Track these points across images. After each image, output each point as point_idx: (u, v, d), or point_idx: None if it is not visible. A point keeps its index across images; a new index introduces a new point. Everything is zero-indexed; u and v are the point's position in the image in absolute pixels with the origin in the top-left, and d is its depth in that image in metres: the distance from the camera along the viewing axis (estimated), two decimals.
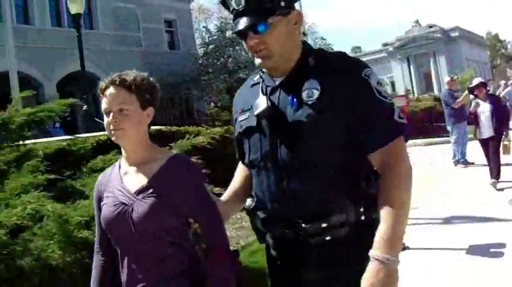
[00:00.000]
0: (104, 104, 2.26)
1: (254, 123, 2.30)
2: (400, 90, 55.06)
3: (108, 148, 5.54)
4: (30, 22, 28.56)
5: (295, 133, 2.17)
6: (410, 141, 19.80)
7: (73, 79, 29.71)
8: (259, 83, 2.39)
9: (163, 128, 9.36)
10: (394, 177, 2.12)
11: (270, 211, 2.29)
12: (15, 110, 5.54)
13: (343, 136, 2.13)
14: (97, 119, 23.18)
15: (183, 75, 34.85)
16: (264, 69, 2.36)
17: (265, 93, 2.30)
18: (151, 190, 2.22)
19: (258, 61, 2.26)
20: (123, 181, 2.31)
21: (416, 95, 50.74)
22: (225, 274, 2.22)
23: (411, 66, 64.44)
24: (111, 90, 2.25)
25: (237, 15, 2.21)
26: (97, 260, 2.42)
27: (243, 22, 2.19)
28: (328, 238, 2.16)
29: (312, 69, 2.23)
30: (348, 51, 73.94)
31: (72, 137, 6.83)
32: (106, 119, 2.25)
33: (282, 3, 2.19)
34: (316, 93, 2.15)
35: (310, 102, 2.15)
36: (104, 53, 29.52)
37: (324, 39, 47.30)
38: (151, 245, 2.20)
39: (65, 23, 30.69)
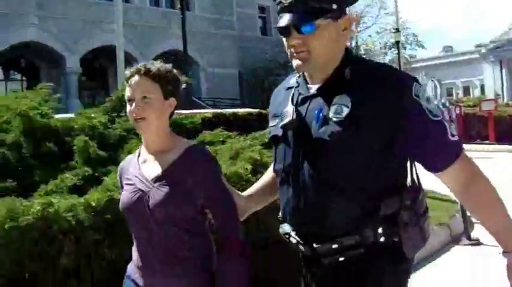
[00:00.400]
0: (127, 92, 2.30)
1: (280, 133, 2.21)
2: (490, 94, 53.76)
3: (213, 124, 6.10)
4: (129, 0, 29.80)
5: (317, 151, 2.05)
6: (495, 146, 19.61)
7: (166, 57, 30.78)
8: (293, 87, 2.26)
9: (263, 111, 9.87)
10: (476, 192, 2.08)
11: (289, 224, 2.21)
12: None
13: (367, 157, 2.00)
14: (194, 98, 23.88)
15: (273, 62, 35.43)
16: (302, 73, 2.22)
17: (295, 103, 2.17)
18: (167, 178, 2.27)
19: (295, 63, 2.11)
20: (140, 169, 2.37)
21: (506, 100, 49.39)
22: (235, 266, 2.24)
23: (503, 70, 62.53)
24: (135, 78, 2.28)
25: (283, 9, 2.08)
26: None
27: (287, 18, 2.05)
28: (341, 259, 2.07)
29: (347, 82, 2.06)
30: (439, 50, 71.59)
31: (180, 111, 7.39)
32: (128, 108, 2.29)
33: (334, 6, 2.04)
34: (345, 111, 1.99)
35: (336, 120, 2.01)
36: (198, 34, 30.42)
37: (416, 36, 46.63)
38: (168, 232, 2.26)
39: (163, 2, 31.88)
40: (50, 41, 26.94)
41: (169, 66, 2.40)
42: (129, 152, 5.16)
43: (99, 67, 29.93)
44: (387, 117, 1.97)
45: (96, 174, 4.70)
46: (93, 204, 3.58)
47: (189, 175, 2.26)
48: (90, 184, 4.38)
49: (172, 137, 2.40)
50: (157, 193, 2.26)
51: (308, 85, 2.17)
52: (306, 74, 2.19)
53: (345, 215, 2.03)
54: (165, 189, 2.25)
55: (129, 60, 25.40)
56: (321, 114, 2.04)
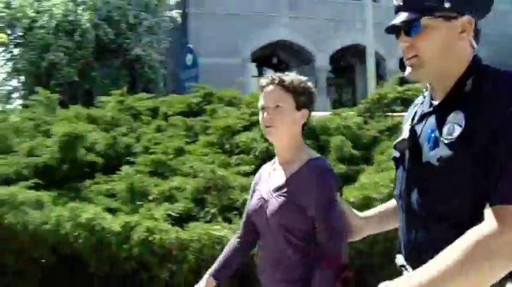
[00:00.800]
0: (261, 101, 2.39)
1: (398, 154, 1.98)
2: None
3: None
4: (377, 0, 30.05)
5: (426, 176, 1.78)
6: None
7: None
8: (419, 104, 2.01)
9: None
10: (477, 231, 1.55)
11: (404, 257, 1.94)
12: (391, 87, 6.37)
13: (482, 192, 1.62)
14: None
15: None
16: (429, 88, 1.94)
17: (414, 121, 1.93)
18: (284, 189, 2.33)
19: (406, 71, 1.87)
20: (270, 177, 2.47)
21: None
22: (326, 285, 2.20)
23: None
24: (269, 88, 2.37)
25: (396, 11, 1.88)
26: (232, 239, 2.68)
27: (396, 19, 1.84)
28: None
29: (465, 95, 1.74)
30: None
31: None
32: (261, 115, 2.38)
33: (447, 5, 1.76)
34: (458, 131, 1.68)
35: (447, 141, 1.70)
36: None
37: None
38: (278, 240, 2.34)
39: None
40: (300, 40, 28.13)
41: (303, 77, 2.43)
42: (382, 153, 5.40)
43: (346, 65, 30.52)
44: (488, 136, 1.61)
45: (349, 172, 4.96)
46: (352, 200, 3.83)
47: (304, 187, 2.29)
48: (342, 181, 4.67)
49: (301, 149, 2.42)
50: (274, 203, 2.35)
51: (432, 101, 1.89)
52: (429, 88, 1.92)
53: None
54: (281, 199, 2.33)
55: (377, 59, 25.71)
56: (432, 135, 1.77)
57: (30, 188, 6.08)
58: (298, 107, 2.37)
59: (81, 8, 23.10)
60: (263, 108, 2.37)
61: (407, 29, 1.81)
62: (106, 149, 6.48)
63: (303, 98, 2.38)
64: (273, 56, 30.34)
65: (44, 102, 9.16)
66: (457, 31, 1.77)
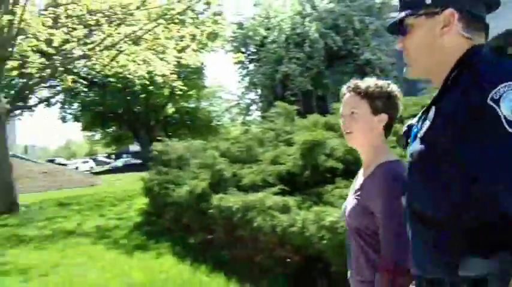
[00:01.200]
0: (341, 108, 2.46)
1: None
2: None
3: None
4: None
5: (408, 174, 1.79)
6: None
7: None
8: None
9: None
10: None
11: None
12: None
13: (449, 184, 1.55)
14: None
15: None
16: None
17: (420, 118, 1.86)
18: (359, 192, 2.37)
19: (404, 70, 1.87)
20: (356, 180, 2.52)
21: None
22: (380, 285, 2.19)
23: None
24: (346, 96, 2.44)
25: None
26: None
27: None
28: None
29: (446, 89, 1.68)
30: None
31: None
32: (341, 122, 2.46)
33: (428, 1, 1.73)
34: (427, 124, 1.67)
35: (419, 136, 1.70)
36: None
37: None
38: (356, 240, 2.37)
39: None
40: None
41: (384, 82, 2.42)
42: None
43: None
44: (462, 130, 1.53)
45: None
46: None
47: (372, 191, 2.30)
48: None
49: (380, 152, 2.40)
50: (350, 204, 2.41)
51: None
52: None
53: (431, 262, 1.65)
54: (355, 201, 2.37)
55: None
56: (416, 129, 1.78)
57: (276, 194, 6.55)
58: (374, 112, 2.39)
59: (307, 19, 24.00)
60: (342, 116, 2.46)
61: (400, 29, 1.83)
62: (345, 154, 6.69)
63: (379, 103, 2.39)
64: None
65: (282, 113, 9.74)
66: (439, 26, 1.73)
